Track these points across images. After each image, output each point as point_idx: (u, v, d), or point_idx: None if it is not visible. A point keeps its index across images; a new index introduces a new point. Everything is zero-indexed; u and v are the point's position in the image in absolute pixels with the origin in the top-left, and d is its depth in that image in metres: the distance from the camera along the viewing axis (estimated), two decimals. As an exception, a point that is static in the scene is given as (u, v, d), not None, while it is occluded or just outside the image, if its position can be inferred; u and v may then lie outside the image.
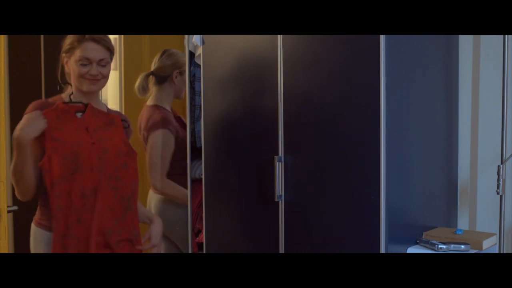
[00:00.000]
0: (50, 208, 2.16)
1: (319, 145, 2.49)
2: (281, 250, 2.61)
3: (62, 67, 2.34)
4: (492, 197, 2.70)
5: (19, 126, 2.09)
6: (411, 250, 2.40)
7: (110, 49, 2.24)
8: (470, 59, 2.84)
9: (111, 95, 4.23)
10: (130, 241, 2.32)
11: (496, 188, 2.54)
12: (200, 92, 2.89)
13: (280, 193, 2.58)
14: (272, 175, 2.58)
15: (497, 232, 2.56)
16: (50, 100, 2.33)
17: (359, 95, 2.34)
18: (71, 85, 2.31)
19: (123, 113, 3.45)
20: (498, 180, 2.53)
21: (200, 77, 2.91)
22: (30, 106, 2.25)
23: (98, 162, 2.20)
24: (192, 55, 3.02)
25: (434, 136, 2.66)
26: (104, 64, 2.23)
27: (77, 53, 2.19)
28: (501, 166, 2.53)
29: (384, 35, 2.22)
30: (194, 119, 3.03)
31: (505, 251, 2.58)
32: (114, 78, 3.94)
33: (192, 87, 3.04)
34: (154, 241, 2.41)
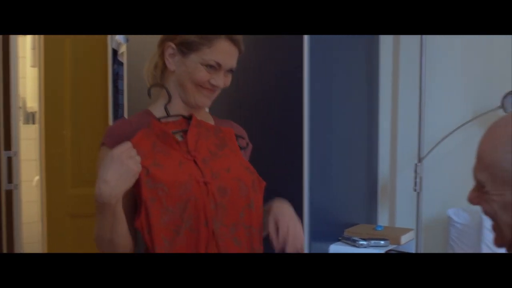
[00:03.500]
0: None
1: (244, 144, 2.49)
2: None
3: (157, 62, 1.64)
4: (410, 194, 2.80)
5: (102, 176, 1.34)
6: (334, 247, 2.45)
7: (241, 52, 1.61)
8: (390, 60, 2.93)
9: (29, 92, 4.09)
10: None
11: (413, 186, 2.64)
12: (123, 90, 2.84)
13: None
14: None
15: (415, 228, 2.65)
16: (133, 118, 1.58)
17: (283, 96, 2.37)
18: (166, 90, 1.55)
19: (42, 111, 3.34)
20: (416, 178, 2.62)
21: (123, 76, 2.86)
22: (107, 136, 1.52)
23: (214, 211, 1.46)
24: (115, 52, 2.96)
25: (355, 136, 2.73)
26: (232, 72, 1.58)
27: (207, 53, 1.48)
28: (418, 164, 2.62)
29: (308, 35, 2.26)
30: (117, 118, 2.97)
31: (422, 246, 2.68)
32: (33, 75, 3.80)
33: (115, 86, 2.98)
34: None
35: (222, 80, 1.53)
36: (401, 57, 2.91)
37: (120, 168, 1.32)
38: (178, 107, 1.56)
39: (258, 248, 1.53)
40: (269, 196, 2.42)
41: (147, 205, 1.39)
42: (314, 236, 2.34)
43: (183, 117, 1.55)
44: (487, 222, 2.38)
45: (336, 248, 2.44)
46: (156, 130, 1.47)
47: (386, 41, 2.93)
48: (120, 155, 1.34)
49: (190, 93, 1.52)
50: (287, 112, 2.35)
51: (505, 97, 2.48)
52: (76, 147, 3.34)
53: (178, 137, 1.52)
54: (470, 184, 2.87)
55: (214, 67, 1.50)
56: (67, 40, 3.37)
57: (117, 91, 2.98)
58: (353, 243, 2.41)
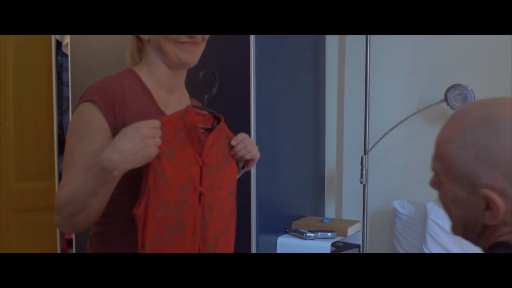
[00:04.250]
0: None
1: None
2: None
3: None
4: (356, 186, 2.85)
5: (118, 144, 1.24)
6: (281, 239, 2.47)
7: None
8: (336, 58, 2.97)
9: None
10: None
11: (359, 178, 2.68)
12: (68, 83, 2.78)
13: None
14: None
15: (361, 219, 2.70)
16: (123, 81, 1.44)
17: (230, 92, 2.37)
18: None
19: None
20: (362, 170, 2.67)
21: (67, 67, 2.80)
22: (96, 93, 1.39)
23: (200, 225, 1.41)
24: (59, 44, 2.89)
25: (302, 130, 2.75)
26: None
27: None
28: (364, 157, 2.67)
29: (254, 35, 2.27)
30: (62, 111, 2.91)
31: (368, 237, 2.73)
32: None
33: (59, 78, 2.91)
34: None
35: None
36: (347, 53, 2.94)
37: (139, 145, 1.24)
38: (163, 75, 1.48)
39: None
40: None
41: (150, 194, 1.30)
42: (262, 228, 2.36)
43: (214, 114, 1.49)
44: (432, 214, 2.44)
45: (284, 240, 2.47)
46: (187, 119, 1.38)
47: (332, 39, 2.97)
48: (146, 132, 1.25)
49: (171, 52, 1.44)
50: (234, 107, 2.35)
51: (447, 90, 2.55)
52: (19, 140, 3.25)
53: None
54: (415, 176, 2.93)
55: None
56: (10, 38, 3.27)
57: (61, 83, 2.91)
58: (301, 235, 2.44)
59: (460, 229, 1.03)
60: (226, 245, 1.49)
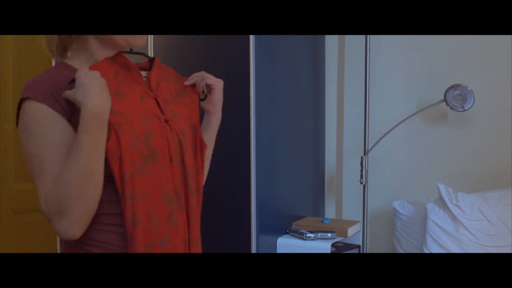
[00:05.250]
0: (123, 221, 1.29)
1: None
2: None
3: None
4: (356, 186, 2.84)
5: (92, 93, 1.23)
6: (281, 240, 2.47)
7: None
8: (336, 58, 2.97)
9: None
10: None
11: (359, 178, 2.68)
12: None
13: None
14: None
15: (361, 220, 2.70)
16: (53, 72, 1.36)
17: (229, 92, 2.37)
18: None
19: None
20: (362, 170, 2.67)
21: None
22: (29, 90, 1.30)
23: (177, 149, 1.40)
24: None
25: (302, 131, 2.75)
26: None
27: None
28: (364, 157, 2.67)
29: (254, 35, 2.27)
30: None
31: (368, 238, 2.73)
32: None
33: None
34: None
35: None
36: (347, 53, 2.94)
37: (103, 84, 1.26)
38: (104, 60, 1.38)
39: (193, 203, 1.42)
40: (217, 191, 2.42)
41: (115, 128, 1.28)
42: (262, 229, 2.36)
43: (147, 57, 1.49)
44: (432, 214, 2.44)
45: (284, 240, 2.47)
46: (119, 60, 1.38)
47: (331, 39, 2.97)
48: (99, 78, 1.26)
49: (120, 39, 1.37)
50: (234, 108, 2.35)
51: (447, 91, 2.55)
52: (18, 141, 3.25)
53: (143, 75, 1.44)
54: (414, 176, 2.93)
55: None
56: (9, 39, 3.27)
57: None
58: (301, 235, 2.44)
59: None
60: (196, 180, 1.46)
